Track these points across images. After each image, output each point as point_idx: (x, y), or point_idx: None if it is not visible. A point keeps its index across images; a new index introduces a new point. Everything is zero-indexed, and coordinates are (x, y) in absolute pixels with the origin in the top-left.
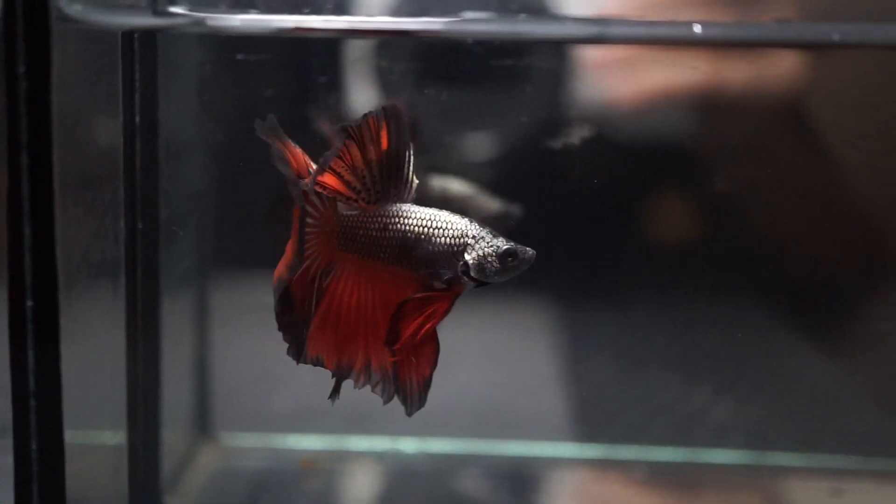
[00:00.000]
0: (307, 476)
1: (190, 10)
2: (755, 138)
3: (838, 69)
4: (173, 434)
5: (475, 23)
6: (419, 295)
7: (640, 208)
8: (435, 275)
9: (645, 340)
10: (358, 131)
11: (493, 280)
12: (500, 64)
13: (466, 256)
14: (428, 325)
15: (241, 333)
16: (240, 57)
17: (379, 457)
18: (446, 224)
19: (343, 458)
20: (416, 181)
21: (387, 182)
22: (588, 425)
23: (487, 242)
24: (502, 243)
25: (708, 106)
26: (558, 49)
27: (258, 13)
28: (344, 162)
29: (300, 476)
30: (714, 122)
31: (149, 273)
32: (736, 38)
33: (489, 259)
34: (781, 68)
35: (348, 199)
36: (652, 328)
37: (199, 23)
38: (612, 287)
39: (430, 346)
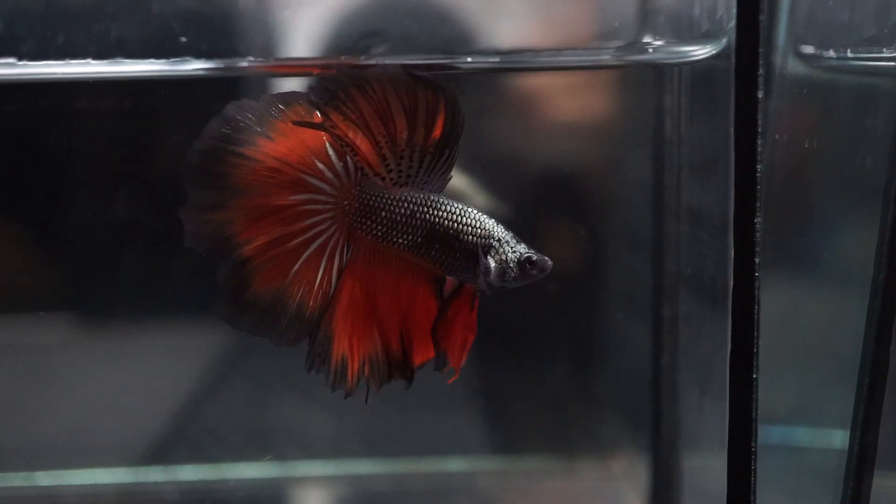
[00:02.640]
0: None
1: None
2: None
3: None
4: None
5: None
6: (453, 300)
7: None
8: (452, 271)
9: None
10: (413, 105)
11: (508, 285)
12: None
13: (490, 260)
14: (470, 338)
15: None
16: None
17: None
18: (475, 222)
19: None
20: (451, 175)
21: (425, 169)
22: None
23: (511, 247)
24: (524, 250)
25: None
26: None
27: None
28: (387, 131)
29: None
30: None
31: None
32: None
33: (510, 265)
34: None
35: (376, 174)
36: None
37: None
38: None
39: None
